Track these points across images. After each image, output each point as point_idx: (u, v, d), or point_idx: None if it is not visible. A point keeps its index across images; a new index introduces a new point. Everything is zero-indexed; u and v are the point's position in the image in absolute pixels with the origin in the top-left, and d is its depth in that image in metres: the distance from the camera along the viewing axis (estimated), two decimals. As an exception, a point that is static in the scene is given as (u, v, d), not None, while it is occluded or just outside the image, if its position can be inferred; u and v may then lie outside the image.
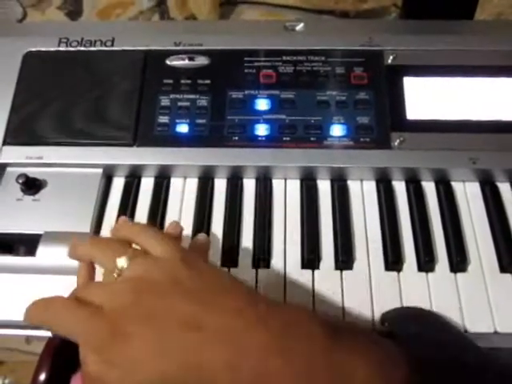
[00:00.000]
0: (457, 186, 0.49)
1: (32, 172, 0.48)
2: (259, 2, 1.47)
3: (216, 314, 0.29)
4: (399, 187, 0.49)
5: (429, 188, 0.49)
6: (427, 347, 0.34)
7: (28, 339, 0.99)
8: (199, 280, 0.31)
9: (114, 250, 0.33)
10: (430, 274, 0.44)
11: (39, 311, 0.33)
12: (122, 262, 0.32)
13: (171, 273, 0.31)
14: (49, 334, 0.47)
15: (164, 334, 0.28)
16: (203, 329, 0.28)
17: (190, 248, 0.40)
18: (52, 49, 0.54)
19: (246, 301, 0.30)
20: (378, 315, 0.42)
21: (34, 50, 0.54)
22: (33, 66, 0.53)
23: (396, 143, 0.48)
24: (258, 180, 0.49)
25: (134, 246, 0.35)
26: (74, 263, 0.42)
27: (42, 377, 0.68)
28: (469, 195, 0.48)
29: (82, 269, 0.40)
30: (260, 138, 0.49)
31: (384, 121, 0.49)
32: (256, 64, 0.52)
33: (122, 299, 0.30)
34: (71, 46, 0.54)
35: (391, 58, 0.51)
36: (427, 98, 0.50)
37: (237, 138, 0.49)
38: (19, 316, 0.43)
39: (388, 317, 0.40)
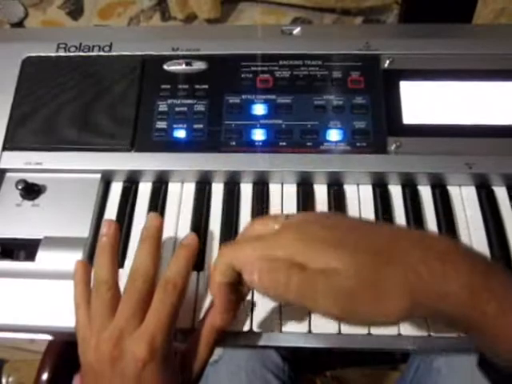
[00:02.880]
0: (453, 191, 0.49)
1: (31, 177, 0.49)
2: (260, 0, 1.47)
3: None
4: (395, 191, 0.49)
5: (425, 192, 0.49)
6: None
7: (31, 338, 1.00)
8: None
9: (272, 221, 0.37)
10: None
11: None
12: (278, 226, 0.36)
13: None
14: (50, 337, 0.48)
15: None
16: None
17: (177, 248, 0.41)
18: (50, 54, 0.54)
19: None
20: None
21: (32, 55, 0.54)
22: (32, 71, 0.53)
23: (392, 148, 0.48)
24: (254, 184, 0.50)
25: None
26: (73, 268, 0.43)
27: (45, 376, 0.69)
28: (465, 199, 0.49)
29: (78, 274, 0.41)
30: (257, 143, 0.49)
31: (380, 125, 0.49)
32: (253, 69, 0.52)
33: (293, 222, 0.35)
34: (69, 52, 0.54)
35: (388, 62, 0.51)
36: (424, 102, 0.50)
37: (234, 142, 0.49)
38: (19, 320, 0.44)
39: None
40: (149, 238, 0.40)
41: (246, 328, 0.42)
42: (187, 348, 0.39)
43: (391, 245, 0.32)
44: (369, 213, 0.48)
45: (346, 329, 0.42)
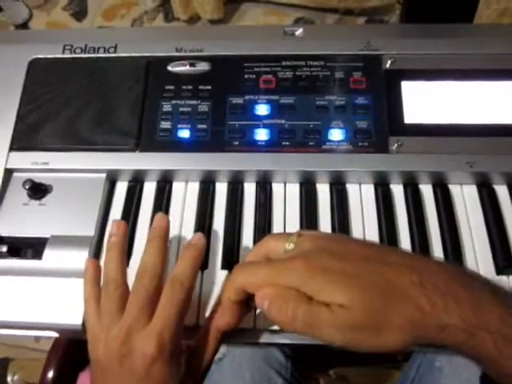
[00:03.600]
0: (454, 189, 0.49)
1: (38, 177, 0.49)
2: (262, 0, 1.48)
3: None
4: (397, 190, 0.50)
5: (426, 191, 0.50)
6: None
7: (37, 337, 1.01)
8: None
9: (284, 239, 0.38)
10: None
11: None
12: (290, 245, 0.37)
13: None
14: (56, 334, 0.48)
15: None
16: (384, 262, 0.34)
17: (184, 247, 0.41)
18: (57, 56, 0.55)
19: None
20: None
21: (38, 57, 0.55)
22: (38, 72, 0.54)
23: (394, 147, 0.49)
24: (258, 184, 0.51)
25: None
26: (80, 266, 0.44)
27: (51, 374, 0.70)
28: (466, 198, 0.49)
29: (88, 272, 0.41)
30: (260, 143, 0.50)
31: (382, 125, 0.50)
32: (256, 69, 0.53)
33: (307, 247, 0.36)
34: (75, 53, 0.55)
35: (389, 62, 0.52)
36: (425, 102, 0.50)
37: (237, 142, 0.50)
38: (26, 317, 0.45)
39: None
40: (156, 238, 0.41)
41: (249, 325, 0.43)
42: (193, 345, 0.40)
43: (396, 277, 0.33)
44: (371, 212, 0.48)
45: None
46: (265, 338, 0.43)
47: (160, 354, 0.35)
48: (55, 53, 0.55)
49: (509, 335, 0.31)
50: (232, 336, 0.43)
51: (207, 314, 0.43)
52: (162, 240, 0.41)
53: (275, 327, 0.43)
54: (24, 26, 1.49)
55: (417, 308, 0.31)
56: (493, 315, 0.31)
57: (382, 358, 0.91)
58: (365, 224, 0.48)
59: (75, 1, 1.53)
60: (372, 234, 0.47)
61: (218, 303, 0.41)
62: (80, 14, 1.51)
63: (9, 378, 1.05)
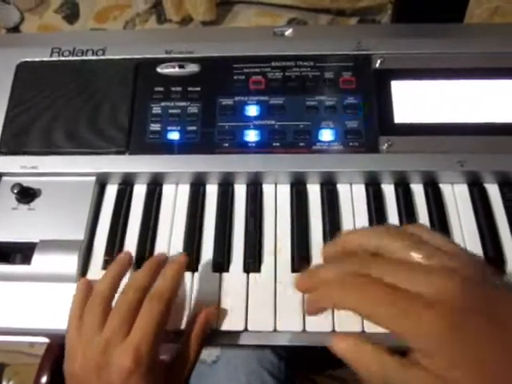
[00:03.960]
0: (445, 188, 0.49)
1: (27, 181, 0.49)
2: (255, 1, 1.48)
3: None
4: (388, 190, 0.49)
5: (417, 190, 0.49)
6: None
7: (30, 342, 1.00)
8: None
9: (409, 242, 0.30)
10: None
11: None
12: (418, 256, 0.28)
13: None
14: (46, 339, 0.48)
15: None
16: None
17: (167, 265, 0.41)
18: (45, 59, 0.54)
19: None
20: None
21: (27, 60, 0.54)
22: (26, 76, 0.54)
23: (384, 147, 0.48)
24: (248, 185, 0.50)
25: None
26: (69, 271, 0.44)
27: (44, 379, 0.69)
28: (457, 197, 0.49)
29: (77, 289, 0.41)
30: (250, 144, 0.49)
31: (372, 125, 0.49)
32: (245, 70, 0.52)
33: (450, 293, 0.26)
34: (63, 56, 0.54)
35: (379, 62, 0.52)
36: (415, 101, 0.50)
37: (227, 144, 0.49)
38: (15, 323, 0.44)
39: None
40: (154, 262, 0.41)
41: (240, 328, 0.42)
42: (176, 351, 0.40)
43: None
44: (362, 212, 0.48)
45: (342, 327, 0.42)
46: (257, 340, 0.43)
47: (137, 367, 0.35)
48: (43, 56, 0.55)
49: None
50: (224, 339, 0.43)
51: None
52: (159, 266, 0.41)
53: (267, 329, 0.43)
54: (16, 29, 1.49)
55: None
56: None
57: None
58: (356, 224, 0.48)
59: (67, 4, 1.53)
60: (363, 235, 0.47)
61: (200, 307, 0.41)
62: (72, 16, 1.51)
63: (3, 384, 1.05)
